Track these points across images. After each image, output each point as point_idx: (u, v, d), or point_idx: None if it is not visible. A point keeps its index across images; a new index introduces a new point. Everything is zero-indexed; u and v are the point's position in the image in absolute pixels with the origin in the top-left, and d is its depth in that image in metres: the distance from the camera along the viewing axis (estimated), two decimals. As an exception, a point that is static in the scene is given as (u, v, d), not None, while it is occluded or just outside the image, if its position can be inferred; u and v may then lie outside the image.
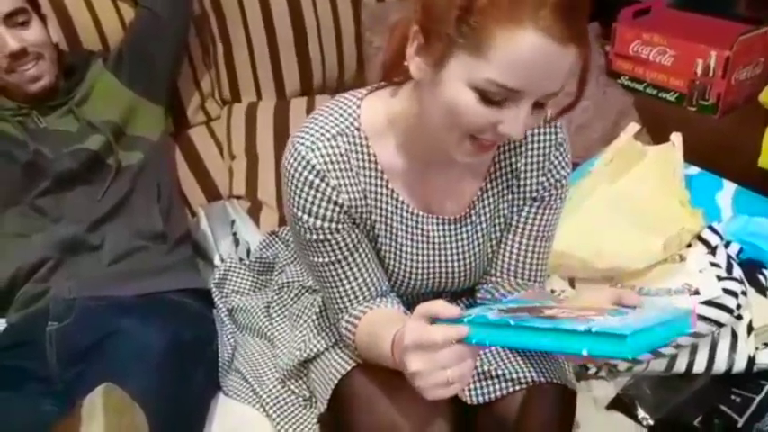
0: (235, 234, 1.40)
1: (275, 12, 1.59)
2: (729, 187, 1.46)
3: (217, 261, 1.38)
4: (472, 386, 0.94)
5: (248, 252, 1.38)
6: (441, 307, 0.75)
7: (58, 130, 1.29)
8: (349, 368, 0.97)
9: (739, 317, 1.05)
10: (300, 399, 1.09)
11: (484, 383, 0.94)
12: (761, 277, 1.17)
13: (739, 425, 0.99)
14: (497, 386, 0.93)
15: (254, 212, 1.49)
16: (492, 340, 0.70)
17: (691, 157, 1.48)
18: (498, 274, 1.01)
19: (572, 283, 1.16)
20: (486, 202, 0.97)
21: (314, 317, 1.09)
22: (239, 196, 1.53)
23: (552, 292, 1.13)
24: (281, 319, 1.20)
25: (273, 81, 1.64)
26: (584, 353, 0.65)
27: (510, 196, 0.97)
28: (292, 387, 1.10)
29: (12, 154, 1.24)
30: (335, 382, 0.97)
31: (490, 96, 0.74)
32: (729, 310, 1.04)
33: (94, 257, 1.23)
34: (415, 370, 0.73)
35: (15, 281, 1.21)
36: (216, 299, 1.27)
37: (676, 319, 0.70)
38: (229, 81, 1.63)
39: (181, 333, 1.10)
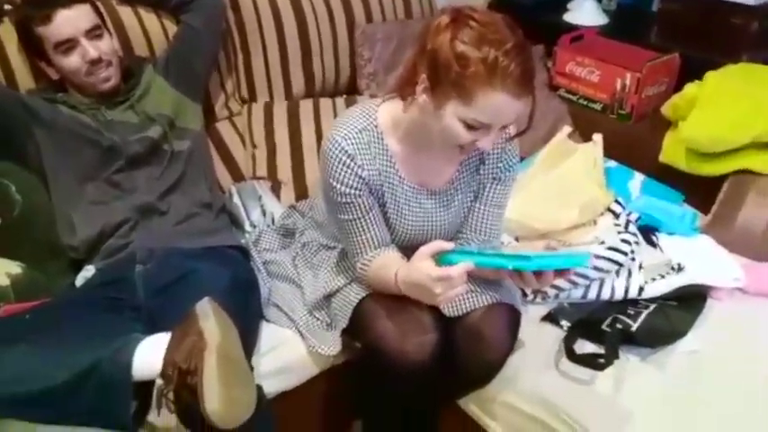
0: (262, 206, 1.71)
1: (286, 29, 1.88)
2: (638, 177, 1.84)
3: (248, 227, 1.68)
4: (451, 303, 1.30)
5: (273, 220, 1.69)
6: (440, 244, 1.13)
7: (121, 122, 1.55)
8: (364, 295, 1.32)
9: (633, 259, 1.46)
10: (324, 324, 1.42)
11: (459, 302, 1.30)
12: (653, 237, 1.59)
13: (633, 329, 1.37)
14: (467, 303, 1.30)
15: (276, 190, 1.79)
16: (477, 261, 1.10)
17: (610, 153, 1.85)
18: (467, 232, 1.37)
19: (516, 239, 1.56)
20: (461, 180, 1.32)
21: (332, 265, 1.43)
22: (262, 177, 1.81)
23: (502, 243, 1.49)
24: (305, 268, 1.51)
25: (283, 85, 1.93)
26: (510, 267, 1.08)
27: (477, 176, 1.32)
28: (317, 316, 1.43)
29: (93, 139, 1.50)
30: (354, 304, 1.32)
31: (472, 125, 1.11)
32: (624, 253, 1.44)
33: (163, 220, 1.51)
34: (439, 291, 1.10)
35: (101, 237, 1.47)
36: (253, 253, 1.58)
37: (579, 255, 1.12)
38: (247, 84, 1.91)
39: (238, 273, 1.41)
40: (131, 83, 1.60)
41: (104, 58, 1.51)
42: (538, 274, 1.12)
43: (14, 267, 1.42)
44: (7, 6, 1.53)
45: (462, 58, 1.07)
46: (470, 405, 1.43)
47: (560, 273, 1.13)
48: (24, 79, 1.58)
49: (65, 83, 1.55)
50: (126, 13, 1.70)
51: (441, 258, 1.12)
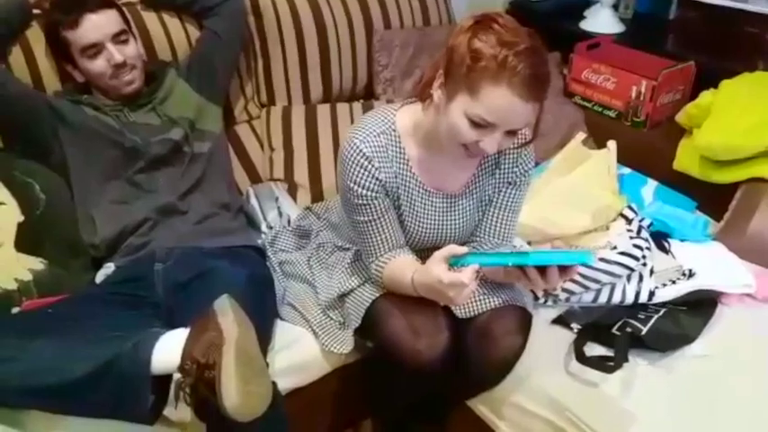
0: (279, 207, 1.74)
1: (306, 35, 1.91)
2: (652, 183, 1.85)
3: (264, 228, 1.71)
4: (463, 305, 1.33)
5: (289, 221, 1.72)
6: (455, 248, 1.15)
7: (144, 123, 1.58)
8: (378, 295, 1.35)
9: (644, 264, 1.47)
10: (337, 323, 1.45)
11: (471, 303, 1.33)
12: (665, 243, 1.60)
13: (643, 333, 1.38)
14: (479, 305, 1.33)
15: (292, 192, 1.82)
16: (481, 261, 1.13)
17: (625, 160, 1.86)
18: (482, 235, 1.39)
19: (529, 243, 1.57)
20: (476, 183, 1.35)
21: (346, 265, 1.46)
22: (279, 179, 1.84)
23: (514, 246, 1.49)
24: (320, 269, 1.53)
25: (301, 90, 1.95)
26: (510, 264, 1.10)
27: (493, 180, 1.35)
28: (331, 315, 1.46)
29: (116, 140, 1.53)
30: (368, 304, 1.34)
31: (477, 123, 1.13)
32: (636, 258, 1.45)
33: (183, 219, 1.54)
34: (452, 295, 1.14)
35: (122, 235, 1.50)
36: (269, 253, 1.61)
37: (583, 252, 1.14)
38: (267, 89, 1.94)
39: (255, 272, 1.44)
40: (153, 86, 1.64)
41: (129, 62, 1.55)
42: (542, 272, 1.14)
43: (37, 264, 1.48)
44: (36, 11, 1.58)
45: (475, 53, 1.10)
46: (480, 406, 1.46)
47: (565, 271, 1.14)
48: (51, 82, 1.63)
49: (89, 85, 1.59)
50: (150, 17, 1.73)
51: (453, 261, 1.15)
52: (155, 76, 1.66)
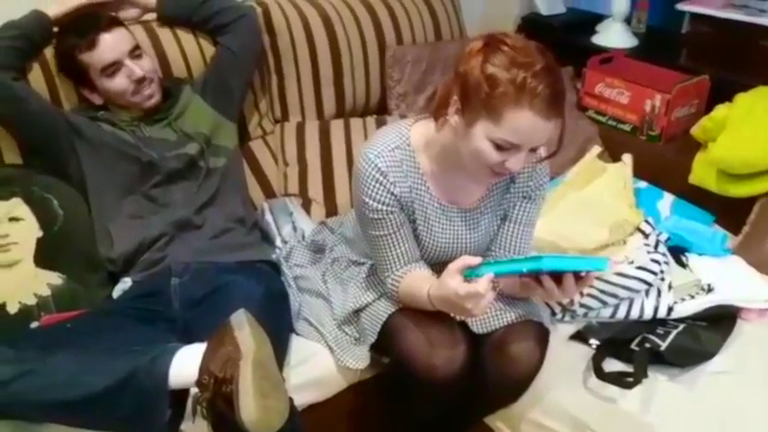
0: (294, 222, 1.74)
1: (319, 51, 1.92)
2: (668, 197, 1.85)
3: (279, 243, 1.71)
4: (480, 320, 1.33)
5: (303, 236, 1.72)
6: (468, 259, 1.15)
7: (160, 138, 1.60)
8: (393, 310, 1.34)
9: (662, 279, 1.46)
10: (353, 338, 1.44)
11: (488, 318, 1.33)
12: (682, 257, 1.59)
13: (662, 348, 1.37)
14: (495, 320, 1.32)
15: (306, 207, 1.82)
16: (496, 270, 1.12)
17: (640, 174, 1.86)
18: (497, 250, 1.39)
19: None
20: (491, 198, 1.35)
21: (361, 280, 1.45)
22: (293, 194, 1.84)
23: None
24: (335, 283, 1.53)
25: (315, 105, 1.97)
26: (525, 270, 1.09)
27: (507, 195, 1.35)
28: (346, 330, 1.45)
29: (133, 155, 1.55)
30: (384, 319, 1.34)
31: (501, 146, 1.13)
32: (654, 273, 1.44)
33: (199, 234, 1.55)
34: (470, 307, 1.12)
35: (139, 250, 1.51)
36: (284, 268, 1.61)
37: (598, 259, 1.13)
38: (280, 104, 1.96)
39: (270, 287, 1.45)
40: (169, 102, 1.65)
41: (148, 76, 1.57)
42: (557, 280, 1.14)
43: (55, 278, 1.49)
44: (56, 29, 1.59)
45: (492, 79, 1.10)
46: (497, 422, 1.45)
47: (581, 281, 1.13)
48: (69, 98, 1.64)
49: (108, 104, 1.61)
50: (165, 35, 1.75)
51: (468, 273, 1.15)
52: (170, 92, 1.67)
